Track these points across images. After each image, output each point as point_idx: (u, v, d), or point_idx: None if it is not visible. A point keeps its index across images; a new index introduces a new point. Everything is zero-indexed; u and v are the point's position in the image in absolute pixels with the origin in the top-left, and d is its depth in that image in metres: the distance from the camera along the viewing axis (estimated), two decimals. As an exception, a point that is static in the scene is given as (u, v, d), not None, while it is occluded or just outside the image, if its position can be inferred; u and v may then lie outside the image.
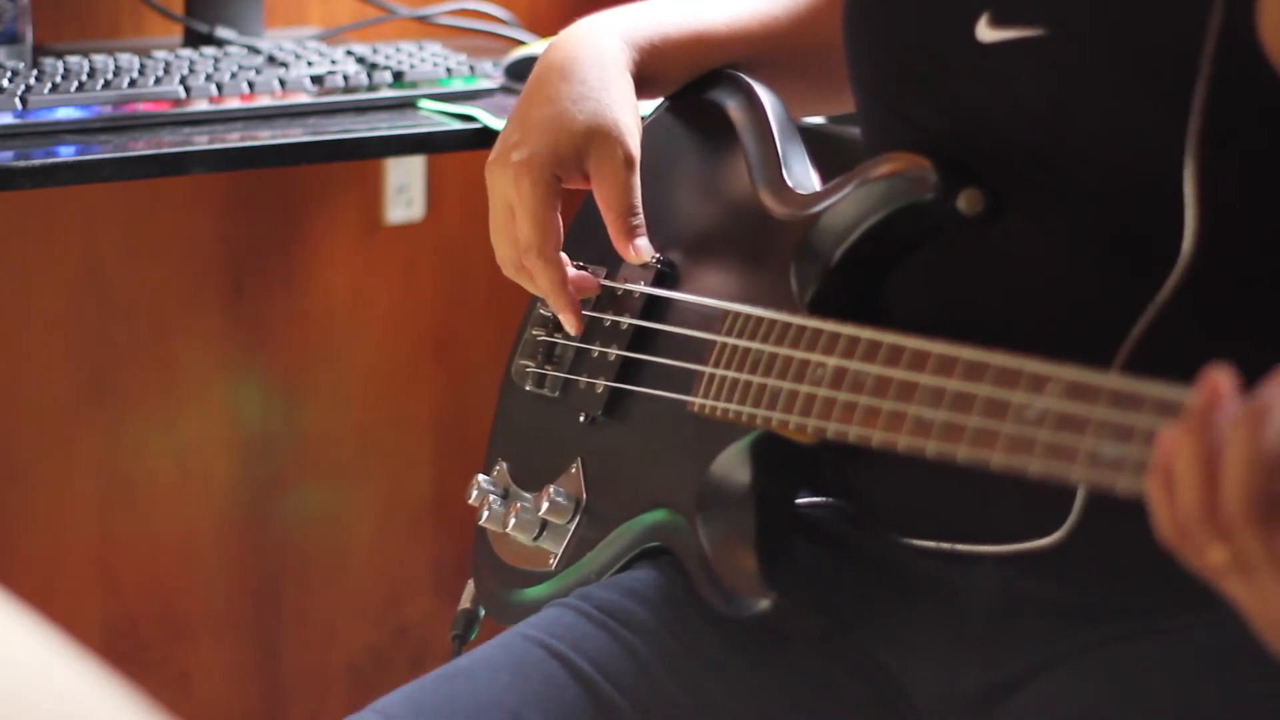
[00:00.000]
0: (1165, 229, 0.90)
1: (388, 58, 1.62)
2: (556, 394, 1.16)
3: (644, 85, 1.15)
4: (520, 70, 1.60)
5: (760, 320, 1.00)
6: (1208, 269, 0.90)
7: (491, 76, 1.63)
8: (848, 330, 0.93)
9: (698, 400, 1.04)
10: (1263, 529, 0.70)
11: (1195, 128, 0.88)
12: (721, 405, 1.01)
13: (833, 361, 0.93)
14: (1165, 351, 0.90)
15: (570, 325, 1.12)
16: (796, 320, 0.98)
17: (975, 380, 0.84)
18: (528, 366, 1.19)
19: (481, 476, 1.19)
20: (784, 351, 0.97)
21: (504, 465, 1.20)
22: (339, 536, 2.07)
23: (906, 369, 0.88)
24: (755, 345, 1.00)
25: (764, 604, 0.97)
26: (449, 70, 1.60)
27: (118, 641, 1.94)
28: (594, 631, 1.03)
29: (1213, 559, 0.72)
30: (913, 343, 0.88)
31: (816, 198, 1.03)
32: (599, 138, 1.09)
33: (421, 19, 1.84)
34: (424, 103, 1.57)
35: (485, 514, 1.16)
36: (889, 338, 0.90)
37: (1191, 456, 0.72)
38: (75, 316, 1.86)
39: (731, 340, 1.02)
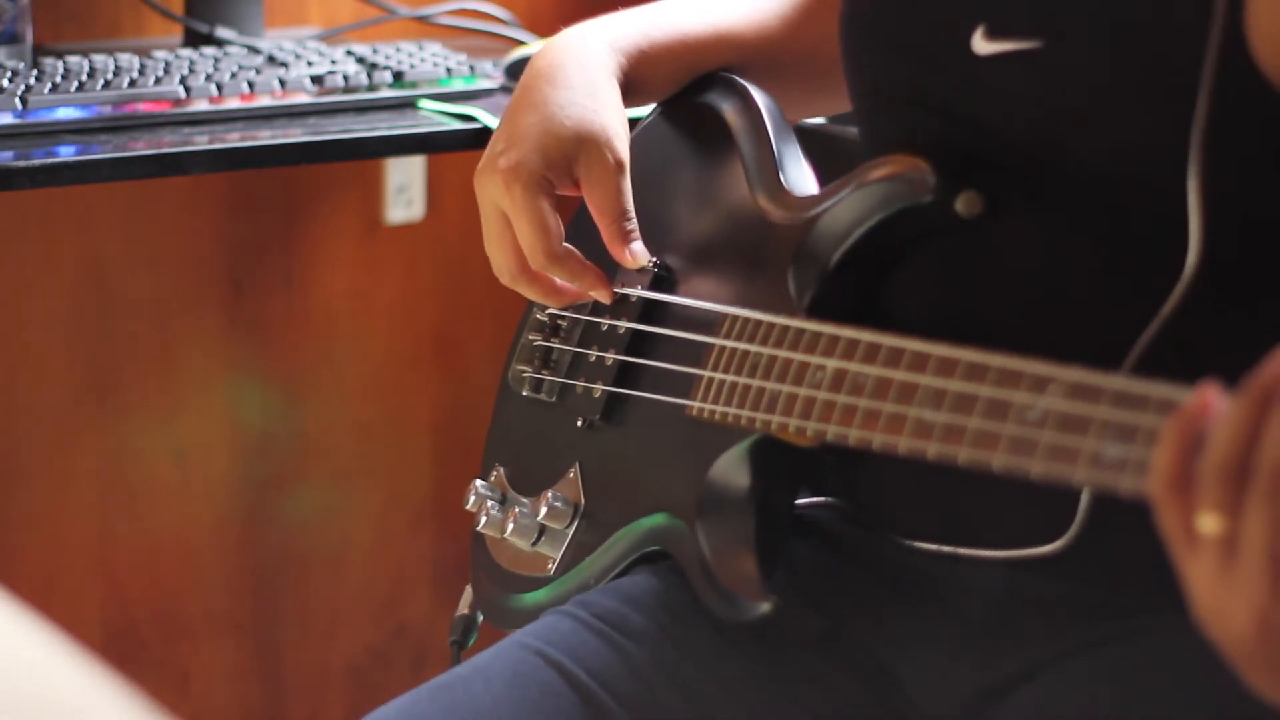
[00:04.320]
0: (1169, 240, 0.90)
1: (388, 58, 1.62)
2: (554, 399, 1.16)
3: (632, 92, 1.15)
4: (520, 70, 1.60)
5: (759, 323, 1.00)
6: (1213, 280, 0.90)
7: (491, 76, 1.63)
8: (847, 333, 0.93)
9: (696, 404, 1.04)
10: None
11: (1198, 139, 0.88)
12: (720, 409, 1.01)
13: (832, 364, 0.93)
14: (1171, 361, 0.89)
15: (604, 296, 1.11)
16: (795, 323, 0.97)
17: (977, 381, 0.83)
18: (524, 372, 1.18)
19: (479, 481, 1.19)
20: (783, 354, 0.97)
21: (501, 470, 1.20)
22: (339, 536, 2.07)
23: (907, 370, 0.88)
24: (754, 348, 0.99)
25: (764, 607, 0.97)
26: (449, 70, 1.60)
27: (118, 641, 1.94)
28: (591, 639, 1.03)
29: (1203, 527, 0.70)
30: (913, 344, 0.88)
31: (814, 201, 1.02)
32: (588, 143, 1.09)
33: (421, 19, 1.84)
34: (424, 103, 1.57)
35: (483, 519, 1.16)
36: (889, 340, 0.90)
37: (1244, 415, 0.70)
38: (75, 316, 1.86)
39: (730, 343, 1.02)
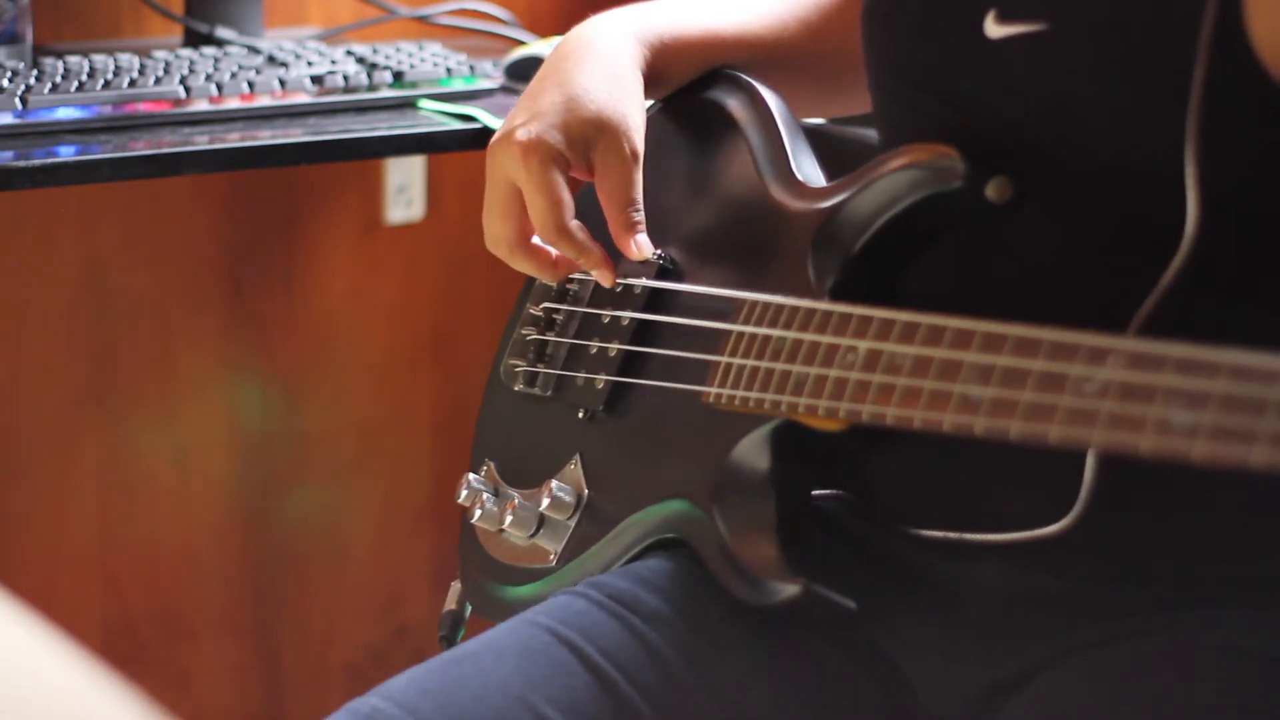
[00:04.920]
0: (1168, 215, 0.90)
1: (388, 58, 1.62)
2: (549, 393, 1.16)
3: (653, 84, 1.16)
4: (520, 70, 1.60)
5: (780, 308, 1.00)
6: (1211, 252, 0.90)
7: (491, 76, 1.63)
8: (881, 313, 0.92)
9: (714, 390, 1.03)
10: None
11: (1194, 116, 0.89)
12: (741, 394, 1.01)
13: (865, 344, 0.93)
14: (1171, 334, 0.90)
15: (605, 278, 1.11)
16: (823, 306, 0.97)
17: (1028, 356, 0.83)
18: (518, 366, 1.18)
19: (471, 475, 1.19)
20: (809, 337, 0.97)
21: (491, 464, 1.19)
22: (339, 536, 2.07)
23: (950, 348, 0.87)
24: (776, 333, 0.99)
25: (793, 589, 0.96)
26: (449, 70, 1.60)
27: (118, 641, 1.94)
28: (605, 620, 1.03)
29: None
30: (954, 322, 0.88)
31: (833, 189, 1.03)
32: (608, 130, 1.09)
33: (421, 19, 1.84)
34: (424, 103, 1.57)
35: (478, 513, 1.15)
36: (927, 319, 0.89)
37: None
38: (75, 316, 1.86)
39: (749, 329, 1.02)
